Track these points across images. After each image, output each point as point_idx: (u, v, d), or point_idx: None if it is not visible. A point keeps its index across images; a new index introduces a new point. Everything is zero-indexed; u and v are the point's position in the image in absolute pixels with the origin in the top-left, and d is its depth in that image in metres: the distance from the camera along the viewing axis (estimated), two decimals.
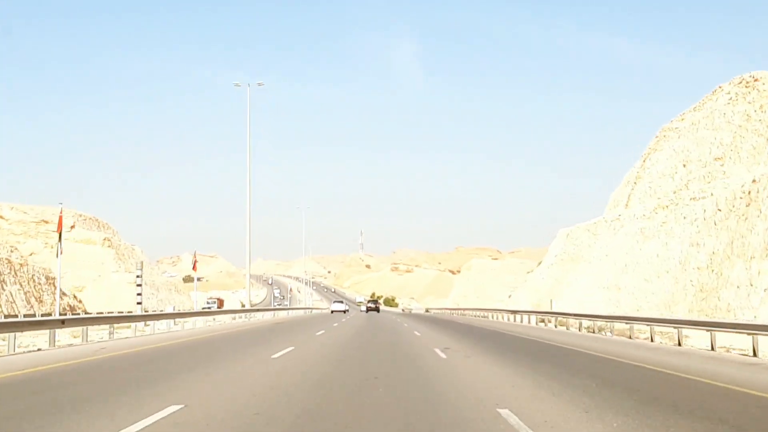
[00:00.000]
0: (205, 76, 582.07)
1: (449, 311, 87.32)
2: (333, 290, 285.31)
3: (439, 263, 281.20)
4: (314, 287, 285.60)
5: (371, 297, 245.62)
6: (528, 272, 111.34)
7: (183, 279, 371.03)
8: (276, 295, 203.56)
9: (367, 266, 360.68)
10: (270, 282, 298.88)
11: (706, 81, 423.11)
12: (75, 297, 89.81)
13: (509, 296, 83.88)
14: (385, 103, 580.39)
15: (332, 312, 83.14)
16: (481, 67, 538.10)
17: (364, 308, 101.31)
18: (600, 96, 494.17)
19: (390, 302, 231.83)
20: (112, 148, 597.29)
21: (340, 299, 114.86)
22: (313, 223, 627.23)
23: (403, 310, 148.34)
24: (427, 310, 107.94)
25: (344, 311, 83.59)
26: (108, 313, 47.78)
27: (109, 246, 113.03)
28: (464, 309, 74.93)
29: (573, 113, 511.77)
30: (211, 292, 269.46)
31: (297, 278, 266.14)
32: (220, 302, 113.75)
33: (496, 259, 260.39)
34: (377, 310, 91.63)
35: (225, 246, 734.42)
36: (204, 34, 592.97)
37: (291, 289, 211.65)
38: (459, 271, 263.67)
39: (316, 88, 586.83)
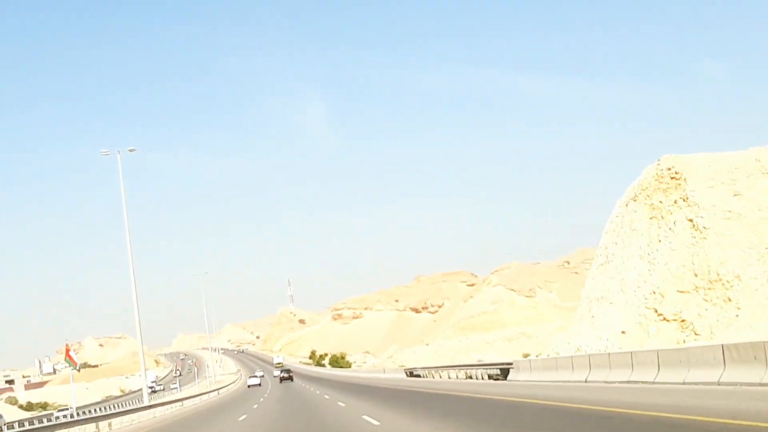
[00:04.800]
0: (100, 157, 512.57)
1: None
2: (251, 355, 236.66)
3: (396, 301, 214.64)
4: (238, 356, 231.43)
5: (311, 354, 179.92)
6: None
7: (81, 365, 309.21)
8: (151, 383, 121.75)
9: (301, 321, 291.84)
10: (181, 358, 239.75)
11: None
12: None
13: None
14: (299, 163, 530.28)
15: (249, 386, 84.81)
16: (389, 117, 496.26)
17: (277, 373, 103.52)
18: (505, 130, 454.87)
19: (339, 361, 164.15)
20: None
21: (255, 374, 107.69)
22: (238, 292, 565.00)
23: (384, 370, 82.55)
24: None
25: (259, 384, 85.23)
26: None
27: None
28: None
29: (481, 148, 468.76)
30: (96, 382, 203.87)
31: (219, 350, 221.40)
32: None
33: (472, 285, 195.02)
34: (291, 378, 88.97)
35: (132, 324, 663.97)
36: (101, 114, 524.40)
37: (195, 365, 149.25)
38: (425, 308, 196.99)
39: (223, 159, 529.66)
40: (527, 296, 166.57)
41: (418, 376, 49.13)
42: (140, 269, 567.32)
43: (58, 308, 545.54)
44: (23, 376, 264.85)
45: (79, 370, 58.50)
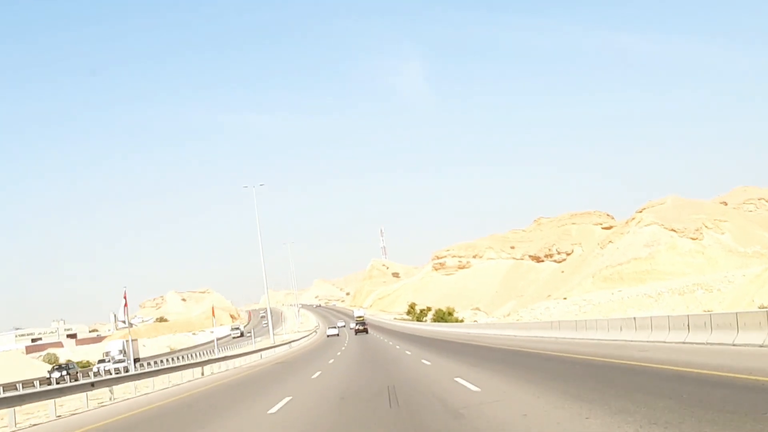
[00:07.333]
0: (208, 117, 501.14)
1: None
2: (336, 311, 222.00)
3: (512, 248, 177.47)
4: (318, 311, 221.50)
5: (409, 309, 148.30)
6: None
7: (157, 319, 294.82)
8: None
9: (395, 275, 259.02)
10: (261, 315, 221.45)
11: None
12: None
13: None
14: (396, 116, 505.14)
15: (328, 336, 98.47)
16: (488, 78, 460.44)
17: (353, 325, 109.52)
18: (599, 90, 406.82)
19: (445, 317, 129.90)
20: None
21: (335, 326, 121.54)
22: (330, 248, 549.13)
23: None
24: None
25: (337, 334, 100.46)
26: None
27: None
28: None
29: (579, 111, 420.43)
30: (168, 336, 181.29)
31: (298, 305, 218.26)
32: None
33: (609, 227, 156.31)
34: (365, 330, 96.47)
35: (219, 280, 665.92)
36: (201, 75, 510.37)
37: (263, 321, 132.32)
38: (549, 256, 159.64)
39: (321, 118, 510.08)
40: (692, 238, 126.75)
41: None
42: (233, 225, 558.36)
43: (142, 262, 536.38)
44: (90, 330, 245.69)
45: None
